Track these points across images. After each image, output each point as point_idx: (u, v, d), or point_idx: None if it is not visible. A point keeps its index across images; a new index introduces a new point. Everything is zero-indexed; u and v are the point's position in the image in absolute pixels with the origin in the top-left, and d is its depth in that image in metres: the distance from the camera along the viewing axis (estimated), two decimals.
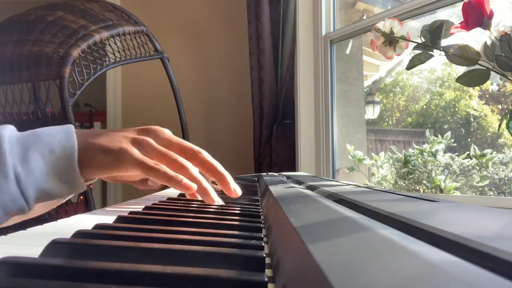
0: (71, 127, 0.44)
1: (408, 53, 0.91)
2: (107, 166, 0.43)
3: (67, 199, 0.55)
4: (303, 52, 1.83)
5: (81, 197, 1.30)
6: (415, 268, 0.13)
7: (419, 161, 1.42)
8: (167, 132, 0.48)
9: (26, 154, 0.40)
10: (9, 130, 0.42)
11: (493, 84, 1.63)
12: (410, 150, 1.48)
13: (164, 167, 0.43)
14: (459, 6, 0.84)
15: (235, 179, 0.50)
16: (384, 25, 0.86)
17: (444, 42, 0.80)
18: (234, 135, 2.33)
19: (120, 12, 1.46)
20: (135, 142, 0.44)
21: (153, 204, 0.44)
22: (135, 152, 0.43)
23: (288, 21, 1.86)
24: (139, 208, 0.42)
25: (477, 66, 0.78)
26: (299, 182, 0.65)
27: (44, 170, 0.41)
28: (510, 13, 1.16)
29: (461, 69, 0.84)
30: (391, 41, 0.85)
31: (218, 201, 0.46)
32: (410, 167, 1.43)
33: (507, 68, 0.74)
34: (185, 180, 0.43)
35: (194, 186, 0.43)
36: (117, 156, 0.42)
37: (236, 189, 0.48)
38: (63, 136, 0.42)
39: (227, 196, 0.55)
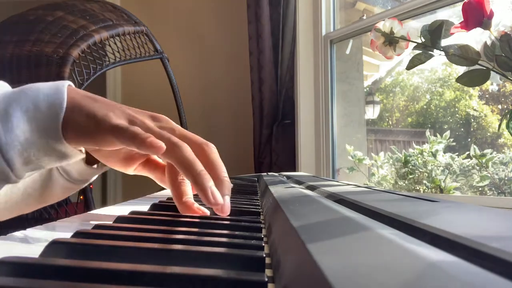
0: (64, 83, 0.38)
1: (408, 53, 0.91)
2: (85, 132, 0.37)
3: (88, 182, 0.53)
4: (303, 52, 1.83)
5: (81, 197, 1.30)
6: (415, 268, 0.13)
7: (419, 161, 1.42)
8: (173, 123, 0.41)
9: (8, 110, 0.35)
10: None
11: (493, 84, 1.63)
12: (410, 150, 1.48)
13: (137, 129, 0.36)
14: (459, 6, 0.84)
15: (235, 179, 0.49)
16: (384, 25, 0.86)
17: (444, 42, 0.80)
18: (234, 135, 2.33)
19: (120, 12, 1.46)
20: (130, 119, 0.38)
21: (153, 204, 0.44)
22: (119, 121, 0.37)
23: (288, 21, 1.86)
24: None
25: (477, 66, 0.78)
26: (299, 182, 0.65)
27: (27, 129, 0.35)
28: (510, 13, 1.16)
29: (461, 69, 0.84)
30: (391, 41, 0.85)
31: (218, 200, 0.37)
32: (410, 167, 1.43)
33: (507, 68, 0.74)
34: (151, 138, 0.36)
35: (162, 145, 0.35)
36: (98, 121, 0.36)
37: (224, 208, 0.37)
38: (52, 91, 0.37)
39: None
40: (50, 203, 0.51)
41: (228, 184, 0.39)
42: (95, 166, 0.49)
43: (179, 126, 0.41)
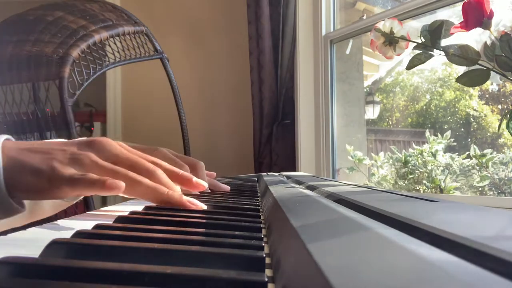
0: None
1: (408, 53, 0.91)
2: (36, 189, 0.36)
3: (76, 201, 0.54)
4: (303, 52, 1.83)
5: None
6: (415, 268, 0.13)
7: (419, 161, 1.42)
8: (113, 145, 0.41)
9: None
10: None
11: (493, 84, 1.63)
12: (410, 150, 1.48)
13: (90, 175, 0.36)
14: (459, 6, 0.84)
15: (235, 179, 0.49)
16: (384, 25, 0.86)
17: (444, 42, 0.80)
18: (234, 135, 2.33)
19: (120, 12, 1.46)
20: (73, 160, 0.37)
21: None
22: (69, 171, 0.36)
23: (288, 21, 1.86)
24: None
25: (477, 66, 0.78)
26: (299, 182, 0.65)
27: None
28: (510, 13, 1.16)
29: (461, 69, 0.84)
30: (391, 41, 0.85)
31: (199, 204, 0.39)
32: (410, 167, 1.43)
33: (507, 68, 0.74)
34: (110, 181, 0.35)
35: (121, 185, 0.36)
36: (48, 177, 0.36)
37: (199, 182, 0.42)
38: None
39: (227, 196, 0.54)
40: (39, 219, 0.50)
41: (186, 175, 0.42)
42: None
43: (119, 147, 0.41)
